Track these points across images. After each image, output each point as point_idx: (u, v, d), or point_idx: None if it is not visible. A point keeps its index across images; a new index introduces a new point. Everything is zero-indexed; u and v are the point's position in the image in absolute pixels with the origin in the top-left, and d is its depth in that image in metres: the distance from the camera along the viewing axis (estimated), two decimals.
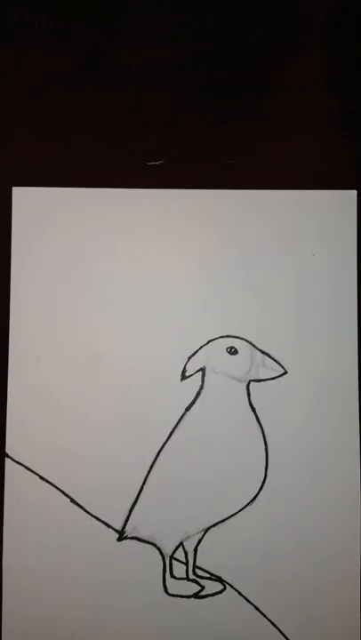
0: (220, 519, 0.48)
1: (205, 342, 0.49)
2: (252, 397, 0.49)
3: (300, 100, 0.51)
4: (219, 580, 0.48)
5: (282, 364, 0.49)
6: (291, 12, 0.51)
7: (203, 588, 0.48)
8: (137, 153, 0.50)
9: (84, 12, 0.51)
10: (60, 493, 0.48)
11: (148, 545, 0.48)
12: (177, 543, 0.48)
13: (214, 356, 0.49)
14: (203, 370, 0.49)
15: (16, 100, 0.51)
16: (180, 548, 0.48)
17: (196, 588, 0.48)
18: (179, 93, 0.51)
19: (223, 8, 0.51)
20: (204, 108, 0.51)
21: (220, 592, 0.48)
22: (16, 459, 0.49)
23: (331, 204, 0.50)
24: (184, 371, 0.49)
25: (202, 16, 0.51)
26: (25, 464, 0.49)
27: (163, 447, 0.49)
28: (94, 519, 0.48)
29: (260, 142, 0.51)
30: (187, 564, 0.48)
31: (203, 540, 0.48)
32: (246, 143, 0.51)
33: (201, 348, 0.49)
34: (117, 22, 0.51)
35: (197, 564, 0.48)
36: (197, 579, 0.48)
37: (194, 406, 0.49)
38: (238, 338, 0.49)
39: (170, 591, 0.48)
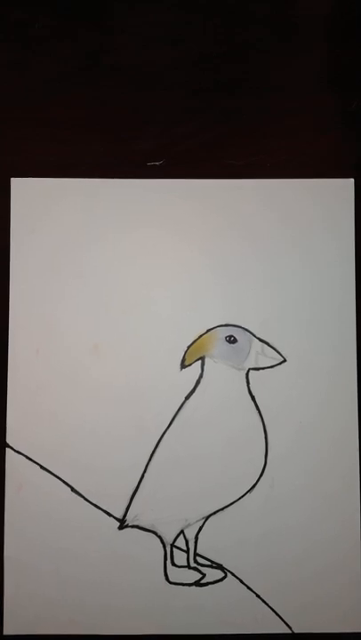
0: (221, 507, 0.49)
1: (205, 331, 0.50)
2: (251, 386, 0.49)
3: (300, 99, 0.51)
4: (219, 567, 0.49)
5: (281, 352, 0.49)
6: (291, 12, 0.52)
7: (204, 575, 0.49)
8: (137, 153, 0.51)
9: (85, 12, 0.51)
10: (61, 482, 0.49)
11: (149, 533, 0.49)
12: (178, 531, 0.49)
13: (213, 345, 0.49)
14: (202, 359, 0.49)
15: (16, 100, 0.51)
16: (181, 536, 0.49)
17: (197, 576, 0.49)
18: (179, 93, 0.51)
19: (223, 8, 0.51)
20: (204, 108, 0.51)
21: (221, 580, 0.49)
22: (17, 448, 0.49)
23: (329, 191, 0.50)
24: (183, 360, 0.49)
25: (202, 16, 0.51)
26: (25, 454, 0.49)
27: (163, 436, 0.49)
28: (95, 508, 0.48)
29: (261, 142, 0.51)
30: (187, 551, 0.49)
31: (203, 528, 0.49)
32: (246, 143, 0.51)
33: (200, 337, 0.50)
34: (117, 22, 0.51)
35: (198, 551, 0.49)
36: (198, 566, 0.49)
37: (193, 395, 0.49)
38: (237, 326, 0.50)
39: (171, 579, 0.48)
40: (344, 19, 0.52)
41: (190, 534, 0.49)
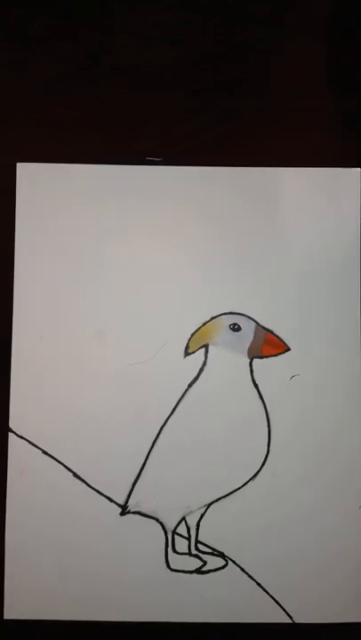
0: (223, 494, 0.49)
1: (209, 319, 0.50)
2: (254, 374, 0.49)
3: (300, 99, 0.51)
4: (221, 555, 0.49)
5: (285, 340, 0.49)
6: (291, 12, 0.52)
7: (205, 563, 0.48)
8: (137, 153, 0.51)
9: (85, 12, 0.51)
10: (64, 468, 0.49)
11: (151, 520, 0.48)
12: (179, 518, 0.49)
13: (217, 333, 0.49)
14: (206, 346, 0.49)
15: (16, 100, 0.51)
16: (183, 523, 0.49)
17: (199, 564, 0.48)
18: (179, 93, 0.51)
19: (223, 8, 0.51)
20: (204, 108, 0.51)
21: (222, 567, 0.48)
22: (19, 433, 0.49)
23: (334, 181, 0.50)
24: (187, 347, 0.49)
25: (202, 16, 0.51)
26: (28, 439, 0.49)
27: (165, 423, 0.49)
28: (97, 493, 0.48)
29: (261, 142, 0.51)
30: (189, 539, 0.49)
31: (205, 516, 0.48)
32: (246, 143, 0.51)
33: (204, 324, 0.49)
34: (117, 22, 0.51)
35: (200, 539, 0.49)
36: (200, 554, 0.49)
37: (196, 382, 0.49)
38: (241, 315, 0.50)
39: (172, 566, 0.48)
40: (344, 19, 0.52)
41: (192, 521, 0.49)
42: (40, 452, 0.49)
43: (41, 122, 0.51)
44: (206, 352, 0.49)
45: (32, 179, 0.50)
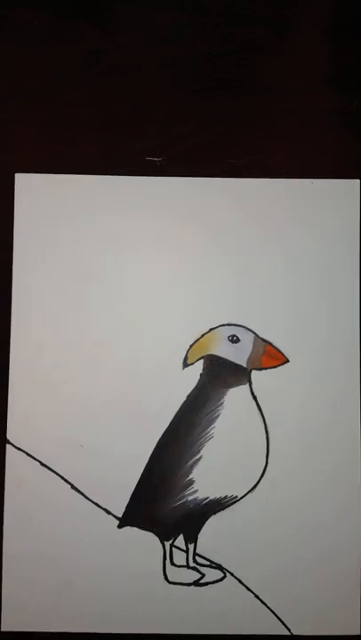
0: (221, 507, 0.48)
1: (207, 330, 0.49)
2: (253, 386, 0.49)
3: (300, 99, 0.51)
4: (219, 567, 0.48)
5: (284, 352, 0.49)
6: (291, 12, 0.51)
7: (203, 575, 0.48)
8: (137, 153, 0.50)
9: (85, 12, 0.51)
10: (61, 480, 0.48)
11: (149, 532, 0.48)
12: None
13: (216, 344, 0.49)
14: (204, 358, 0.49)
15: (16, 99, 0.51)
16: (181, 536, 0.48)
17: (197, 576, 0.48)
18: (179, 93, 0.51)
19: (223, 8, 0.51)
20: (204, 108, 0.51)
21: (221, 580, 0.48)
22: (17, 445, 0.49)
23: (334, 192, 0.50)
24: (186, 358, 0.49)
25: (202, 16, 0.51)
26: (26, 450, 0.49)
27: (164, 434, 0.49)
28: (95, 506, 0.48)
29: (261, 142, 0.51)
30: (187, 551, 0.48)
31: (203, 528, 0.48)
32: (246, 143, 0.51)
33: (203, 335, 0.49)
34: (117, 22, 0.51)
35: (198, 551, 0.48)
36: (198, 566, 0.48)
37: (195, 394, 0.49)
38: (240, 326, 0.49)
39: (170, 579, 0.48)
40: (344, 19, 0.51)
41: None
42: (38, 463, 0.49)
43: (41, 122, 0.51)
44: (205, 364, 0.49)
45: (30, 189, 0.50)
